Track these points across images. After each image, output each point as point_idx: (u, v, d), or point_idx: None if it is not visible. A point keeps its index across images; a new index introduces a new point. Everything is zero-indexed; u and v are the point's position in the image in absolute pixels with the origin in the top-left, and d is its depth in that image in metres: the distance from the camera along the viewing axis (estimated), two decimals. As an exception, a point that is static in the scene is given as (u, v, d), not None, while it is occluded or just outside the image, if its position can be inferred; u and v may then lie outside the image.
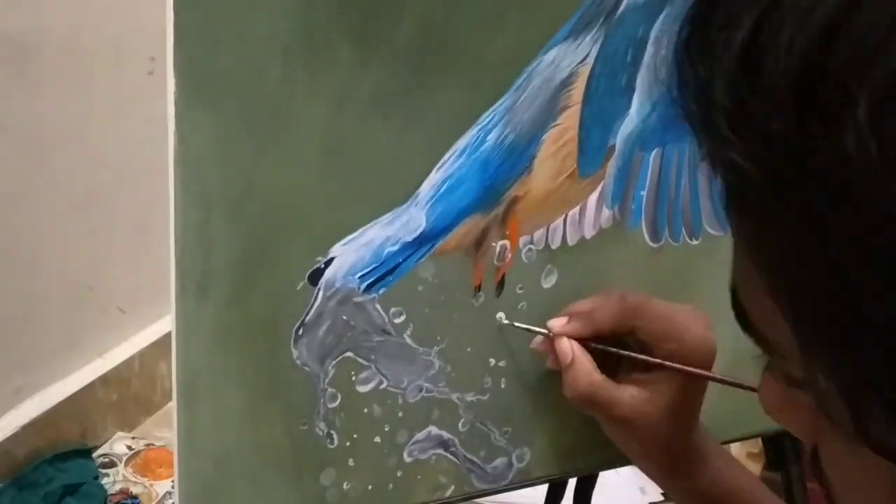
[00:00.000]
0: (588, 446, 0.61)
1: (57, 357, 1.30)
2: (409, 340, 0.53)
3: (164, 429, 1.41)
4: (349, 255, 0.50)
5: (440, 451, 0.57)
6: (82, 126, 1.23)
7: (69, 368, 1.32)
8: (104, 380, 1.36)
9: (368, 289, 0.51)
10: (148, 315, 1.40)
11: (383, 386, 0.53)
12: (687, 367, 0.53)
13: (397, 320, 0.53)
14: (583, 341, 0.54)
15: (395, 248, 0.51)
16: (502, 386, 0.58)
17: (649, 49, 0.54)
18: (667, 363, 0.53)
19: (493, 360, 0.57)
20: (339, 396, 0.52)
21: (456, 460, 0.57)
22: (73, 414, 1.32)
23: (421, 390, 0.55)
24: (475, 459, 0.58)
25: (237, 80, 0.44)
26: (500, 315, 0.56)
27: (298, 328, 0.50)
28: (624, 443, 0.56)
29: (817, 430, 0.32)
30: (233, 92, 0.44)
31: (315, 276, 0.49)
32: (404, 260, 0.52)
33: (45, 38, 1.14)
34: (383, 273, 0.51)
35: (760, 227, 0.29)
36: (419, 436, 0.56)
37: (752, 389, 0.58)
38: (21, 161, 1.16)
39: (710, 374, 0.54)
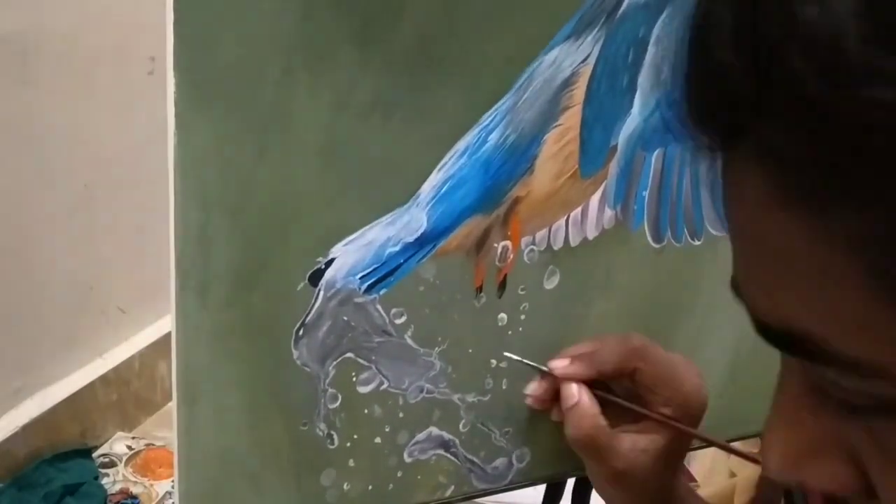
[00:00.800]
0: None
1: (57, 357, 1.30)
2: (410, 341, 0.53)
3: (164, 429, 1.41)
4: (350, 255, 0.50)
5: (440, 451, 0.57)
6: (82, 126, 1.23)
7: (69, 368, 1.32)
8: (104, 380, 1.36)
9: (369, 289, 0.51)
10: (148, 315, 1.40)
11: (384, 387, 0.53)
12: (693, 430, 0.54)
13: (398, 321, 0.52)
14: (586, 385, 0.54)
15: (397, 248, 0.51)
16: (503, 387, 0.58)
17: (651, 49, 0.54)
18: (672, 422, 0.53)
19: (494, 361, 0.57)
20: (340, 397, 0.52)
21: (456, 460, 0.57)
22: (73, 414, 1.32)
23: (422, 391, 0.55)
24: (475, 460, 0.58)
25: (237, 80, 0.44)
26: (505, 353, 0.56)
27: (299, 329, 0.50)
28: (610, 492, 0.55)
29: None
30: (233, 92, 0.44)
31: (316, 277, 0.49)
32: (405, 260, 0.51)
33: (45, 38, 1.14)
34: (384, 274, 0.51)
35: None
36: (420, 436, 0.56)
37: (755, 461, 0.58)
38: (21, 161, 1.16)
39: (716, 440, 0.55)
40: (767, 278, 0.26)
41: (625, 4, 0.52)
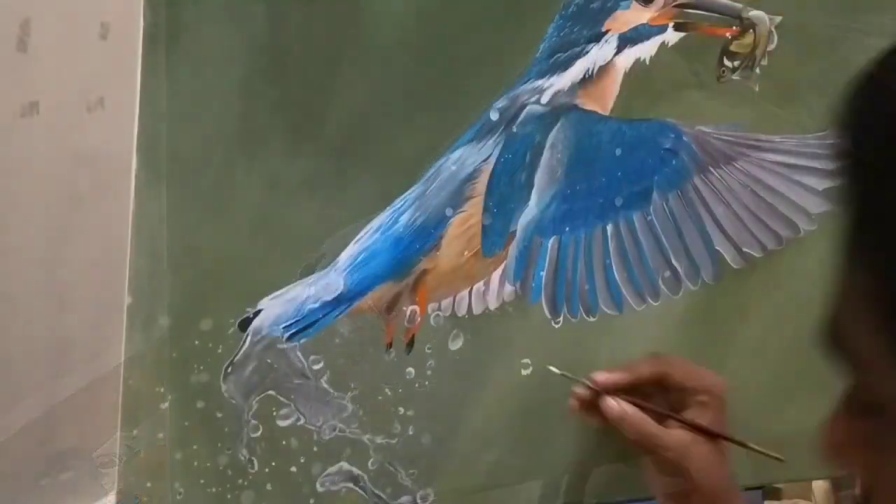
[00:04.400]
0: (492, 491, 0.70)
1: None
2: (325, 385, 0.63)
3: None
4: (275, 308, 0.60)
5: (350, 484, 0.65)
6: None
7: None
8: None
9: (291, 338, 0.61)
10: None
11: (301, 422, 0.63)
12: (719, 432, 0.64)
13: (315, 367, 0.62)
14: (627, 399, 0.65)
15: (316, 305, 0.61)
16: (410, 432, 0.67)
17: (546, 153, 0.64)
18: (686, 420, 0.64)
19: (402, 409, 0.66)
20: (261, 428, 0.61)
21: (364, 494, 0.66)
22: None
23: (334, 429, 0.64)
24: (382, 496, 0.67)
25: (188, 161, 0.55)
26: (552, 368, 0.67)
27: (228, 367, 0.59)
28: (666, 483, 0.65)
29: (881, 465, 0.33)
30: (183, 170, 0.55)
31: (244, 324, 0.59)
32: (324, 316, 0.61)
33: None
34: (304, 326, 0.61)
35: None
36: (331, 469, 0.64)
37: (779, 459, 0.67)
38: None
39: (733, 437, 0.66)
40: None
41: (523, 114, 0.63)
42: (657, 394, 0.66)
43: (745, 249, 0.71)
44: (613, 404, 0.64)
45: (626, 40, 0.64)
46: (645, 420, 0.64)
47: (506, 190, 0.64)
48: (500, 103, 0.62)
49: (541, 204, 0.66)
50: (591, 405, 0.66)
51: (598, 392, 0.65)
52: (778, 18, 0.67)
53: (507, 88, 0.62)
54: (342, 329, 0.62)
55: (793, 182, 0.70)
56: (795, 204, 0.71)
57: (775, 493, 0.89)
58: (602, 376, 0.65)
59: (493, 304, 0.67)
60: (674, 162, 0.68)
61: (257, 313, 0.59)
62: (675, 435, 0.64)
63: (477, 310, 0.66)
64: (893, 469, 0.32)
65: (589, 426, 0.68)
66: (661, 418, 0.65)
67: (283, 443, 0.63)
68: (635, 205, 0.68)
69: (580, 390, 0.66)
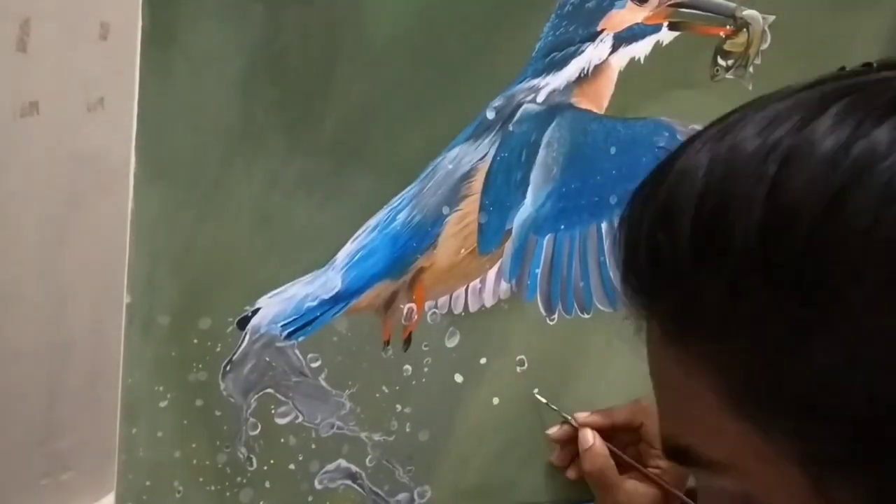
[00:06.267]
0: (489, 487, 0.70)
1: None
2: (323, 383, 0.63)
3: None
4: (273, 306, 0.60)
5: (348, 482, 0.66)
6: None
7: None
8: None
9: (289, 336, 0.61)
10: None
11: (299, 420, 0.63)
12: (672, 489, 0.66)
13: (313, 365, 0.62)
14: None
15: (314, 303, 0.61)
16: (407, 430, 0.67)
17: (542, 151, 0.65)
18: (649, 474, 0.66)
19: (399, 407, 0.66)
20: (260, 426, 0.62)
21: (362, 491, 0.66)
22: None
23: (333, 427, 0.64)
24: (380, 493, 0.67)
25: (186, 160, 0.55)
26: (536, 391, 0.69)
27: (226, 365, 0.60)
28: None
29: None
30: (182, 169, 0.55)
31: (243, 322, 0.59)
32: (321, 314, 0.62)
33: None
34: (303, 324, 0.61)
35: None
36: (329, 467, 0.65)
37: None
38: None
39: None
40: (661, 405, 0.38)
41: (519, 113, 0.63)
42: (630, 441, 0.69)
43: (738, 246, 0.71)
44: (588, 435, 0.67)
45: (621, 39, 0.64)
46: (608, 459, 0.66)
47: (502, 188, 0.64)
48: (497, 102, 0.62)
49: (536, 202, 0.66)
50: (568, 442, 0.69)
51: (576, 427, 0.68)
52: (771, 18, 0.68)
53: (504, 87, 0.62)
54: (340, 327, 0.63)
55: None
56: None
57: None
58: (582, 416, 0.68)
59: (488, 302, 0.67)
60: (668, 160, 0.68)
61: (256, 312, 0.59)
62: (629, 484, 0.66)
63: (473, 307, 0.67)
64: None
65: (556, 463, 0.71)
66: (625, 468, 0.67)
67: (282, 440, 0.63)
68: (630, 203, 0.68)
69: (555, 433, 0.69)
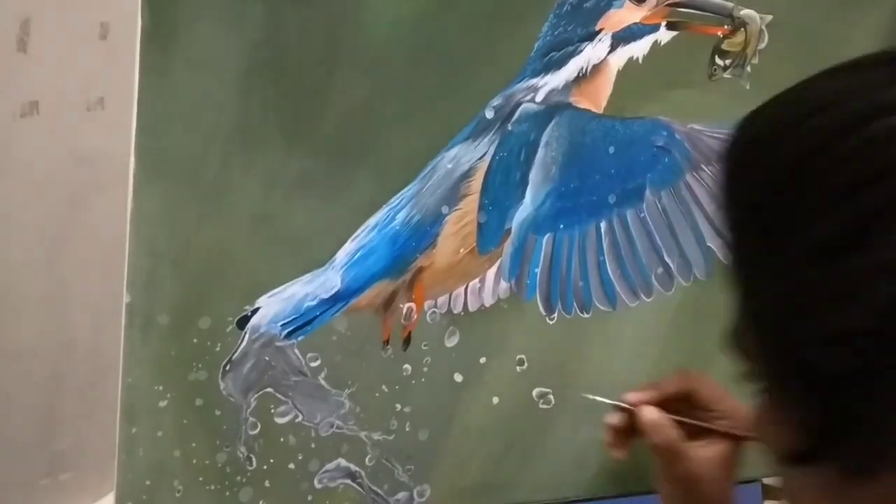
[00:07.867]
0: (488, 486, 0.71)
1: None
2: (323, 382, 0.63)
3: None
4: (273, 306, 0.60)
5: (348, 481, 0.66)
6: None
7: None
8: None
9: (289, 335, 0.61)
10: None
11: (299, 419, 0.63)
12: (747, 433, 0.64)
13: (313, 364, 0.62)
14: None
15: (314, 303, 0.61)
16: (406, 429, 0.67)
17: (541, 150, 0.65)
18: (720, 429, 0.65)
19: (398, 406, 0.66)
20: (259, 425, 0.62)
21: (362, 490, 0.67)
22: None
23: (332, 426, 0.64)
24: (379, 492, 0.67)
25: (186, 160, 0.55)
26: (587, 395, 0.67)
27: (226, 364, 0.60)
28: (675, 493, 0.65)
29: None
30: (182, 169, 0.55)
31: (242, 322, 0.59)
32: (321, 313, 0.62)
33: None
34: (302, 323, 0.61)
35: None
36: (329, 466, 0.65)
37: None
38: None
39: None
40: None
41: (518, 112, 0.64)
42: (683, 410, 0.67)
43: (737, 246, 0.71)
44: (650, 411, 0.65)
45: (620, 39, 0.65)
46: (673, 430, 0.64)
47: (501, 188, 0.65)
48: (496, 102, 0.62)
49: (535, 201, 0.66)
50: (624, 433, 0.67)
51: (632, 411, 0.66)
52: (769, 17, 0.68)
53: (502, 87, 0.62)
54: (339, 326, 0.63)
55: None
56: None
57: (773, 493, 0.90)
58: (633, 396, 0.66)
59: (488, 301, 0.67)
60: (666, 159, 0.68)
61: (255, 311, 0.60)
62: (697, 450, 0.65)
63: (472, 307, 0.67)
64: (771, 427, 0.42)
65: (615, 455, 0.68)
66: (690, 432, 0.66)
67: (282, 440, 0.63)
68: (628, 202, 0.68)
69: (614, 419, 0.67)
